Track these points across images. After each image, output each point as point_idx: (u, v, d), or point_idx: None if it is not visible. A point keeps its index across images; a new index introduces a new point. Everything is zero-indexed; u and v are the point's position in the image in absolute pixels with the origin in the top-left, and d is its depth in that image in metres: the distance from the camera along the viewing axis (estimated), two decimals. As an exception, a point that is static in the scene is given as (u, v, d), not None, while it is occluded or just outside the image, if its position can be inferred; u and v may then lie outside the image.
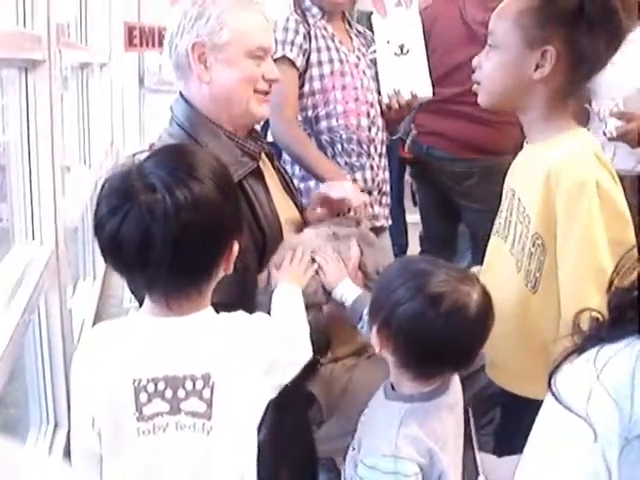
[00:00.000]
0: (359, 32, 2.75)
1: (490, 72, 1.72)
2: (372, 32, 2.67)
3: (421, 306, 1.44)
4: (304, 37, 2.51)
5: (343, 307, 1.81)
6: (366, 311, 1.62)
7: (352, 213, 2.06)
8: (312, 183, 2.54)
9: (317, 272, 1.84)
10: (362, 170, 2.60)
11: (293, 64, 2.49)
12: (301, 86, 2.54)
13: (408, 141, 3.47)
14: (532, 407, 0.97)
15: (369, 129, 2.60)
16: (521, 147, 1.86)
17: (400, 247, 4.57)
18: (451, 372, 1.56)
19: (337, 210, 2.05)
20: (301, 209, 2.13)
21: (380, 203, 2.70)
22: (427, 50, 2.65)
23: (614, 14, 1.59)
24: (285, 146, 2.54)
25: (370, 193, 2.62)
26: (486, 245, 1.94)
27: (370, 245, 1.98)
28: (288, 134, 2.51)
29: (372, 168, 2.63)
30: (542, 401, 0.91)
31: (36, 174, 2.39)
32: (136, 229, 1.29)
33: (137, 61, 6.58)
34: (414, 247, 4.02)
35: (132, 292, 1.68)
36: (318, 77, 2.54)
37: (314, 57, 2.54)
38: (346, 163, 2.57)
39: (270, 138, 2.63)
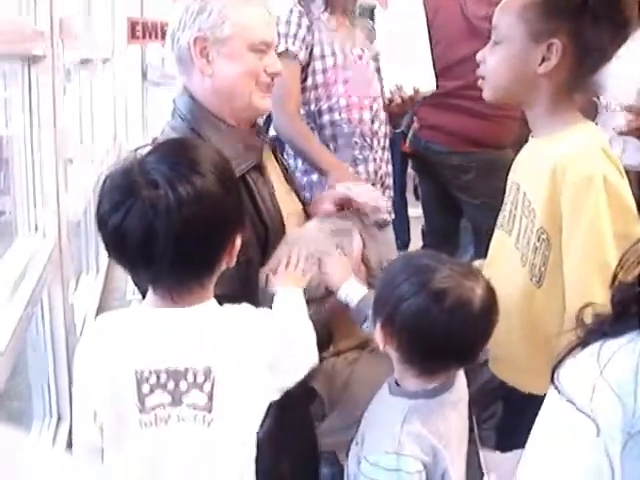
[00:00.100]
0: (362, 25, 2.75)
1: (495, 66, 1.71)
2: (375, 25, 2.66)
3: (425, 302, 1.43)
4: (307, 30, 2.50)
5: (347, 307, 1.80)
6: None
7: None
8: (315, 177, 2.53)
9: (320, 268, 1.84)
10: (365, 163, 2.60)
11: (296, 57, 2.48)
12: (304, 79, 2.54)
13: (409, 135, 3.47)
14: (535, 401, 0.97)
15: (372, 122, 2.60)
16: (521, 141, 1.86)
17: (403, 241, 4.57)
18: (456, 368, 1.55)
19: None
20: (303, 203, 2.13)
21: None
22: (430, 43, 2.65)
23: (619, 7, 1.59)
24: (288, 140, 2.53)
25: (373, 186, 2.62)
26: (489, 239, 1.93)
27: (373, 239, 1.98)
28: (291, 127, 2.50)
29: (375, 161, 2.63)
30: (545, 396, 0.91)
31: (39, 167, 2.40)
32: (139, 224, 1.29)
33: (140, 55, 6.57)
34: (416, 241, 4.02)
35: (135, 284, 1.68)
36: (321, 70, 2.54)
37: (317, 50, 2.53)
38: (349, 156, 2.57)
39: (273, 132, 2.63)
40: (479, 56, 1.75)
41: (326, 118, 2.55)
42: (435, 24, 2.89)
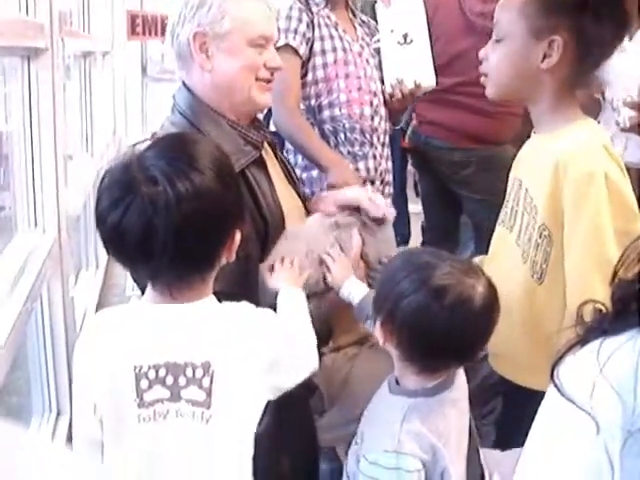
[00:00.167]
0: (363, 21, 2.75)
1: (497, 64, 1.71)
2: (376, 21, 2.66)
3: (425, 299, 1.43)
4: (307, 25, 2.50)
5: (348, 303, 1.80)
6: None
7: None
8: (315, 173, 2.53)
9: (321, 263, 1.84)
10: (364, 159, 2.60)
11: (296, 52, 2.48)
12: (304, 75, 2.53)
13: (408, 131, 3.48)
14: (535, 397, 0.97)
15: (372, 118, 2.60)
16: (521, 137, 1.86)
17: (403, 237, 4.57)
18: (456, 366, 1.54)
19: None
20: (303, 198, 2.13)
21: (382, 193, 2.69)
22: (430, 39, 2.65)
23: (620, 2, 1.59)
24: (287, 135, 2.53)
25: (372, 183, 2.62)
26: (489, 235, 1.93)
27: (372, 235, 1.98)
28: (290, 123, 2.50)
29: (375, 157, 2.62)
30: (544, 392, 0.91)
31: (39, 162, 2.40)
32: (138, 221, 1.29)
33: (140, 50, 6.57)
34: (417, 237, 4.03)
35: (134, 280, 1.68)
36: (321, 66, 2.54)
37: (317, 46, 2.53)
38: (349, 152, 2.57)
39: (273, 127, 2.63)
40: (481, 54, 1.75)
41: (326, 113, 2.55)
42: (435, 21, 2.89)
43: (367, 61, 2.63)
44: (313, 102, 2.55)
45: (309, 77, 2.54)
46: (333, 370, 1.94)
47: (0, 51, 2.23)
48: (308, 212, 2.06)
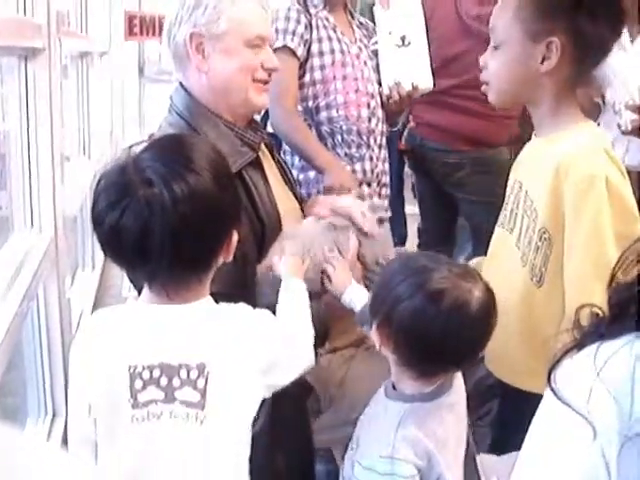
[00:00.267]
0: (361, 23, 2.75)
1: (497, 71, 1.72)
2: (374, 23, 2.66)
3: (421, 303, 1.42)
4: (305, 27, 2.50)
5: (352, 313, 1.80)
6: None
7: None
8: (312, 174, 2.53)
9: (323, 273, 1.83)
10: (361, 161, 2.60)
11: (294, 54, 2.48)
12: (302, 76, 2.53)
13: (405, 133, 3.48)
14: (532, 400, 0.96)
15: (369, 120, 2.60)
16: (518, 139, 1.86)
17: (400, 238, 4.57)
18: (453, 370, 1.53)
19: None
20: (300, 200, 2.13)
21: (379, 195, 2.69)
22: (428, 41, 2.65)
23: (614, 0, 1.60)
24: (284, 136, 2.53)
25: (369, 184, 2.62)
26: (486, 237, 1.93)
27: (369, 236, 1.97)
28: (288, 124, 2.50)
29: (371, 159, 2.62)
30: (542, 395, 0.91)
31: (35, 162, 2.39)
32: (135, 224, 1.29)
33: (137, 50, 6.56)
34: (413, 238, 4.03)
35: (131, 281, 1.68)
36: (319, 67, 2.54)
37: (315, 47, 2.53)
38: (346, 154, 2.57)
39: (270, 129, 2.63)
40: (481, 62, 1.75)
41: (323, 115, 2.55)
42: (431, 23, 2.89)
43: (365, 63, 2.63)
44: (310, 103, 2.55)
45: (307, 78, 2.54)
46: (329, 372, 1.94)
47: (-2, 50, 2.23)
48: (304, 214, 2.06)
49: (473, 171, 3.25)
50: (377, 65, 2.63)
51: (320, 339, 1.74)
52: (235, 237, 1.43)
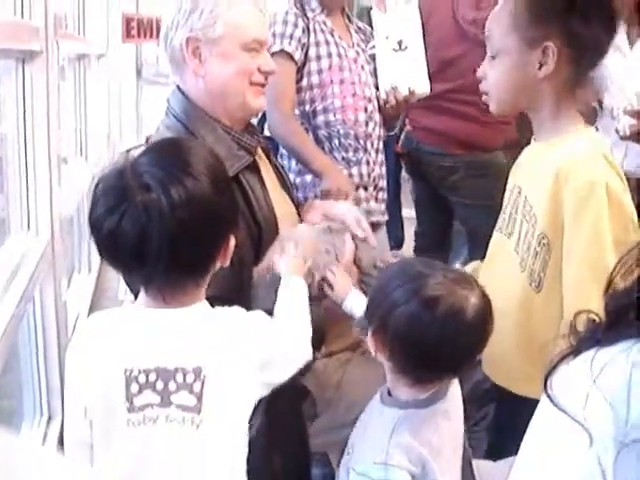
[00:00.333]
0: (359, 27, 2.76)
1: (496, 80, 1.72)
2: (372, 27, 2.66)
3: (417, 309, 1.41)
4: (303, 31, 2.51)
5: (340, 308, 1.79)
6: None
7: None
8: (309, 178, 2.54)
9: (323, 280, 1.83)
10: (358, 165, 2.60)
11: (291, 58, 2.49)
12: (299, 80, 2.54)
13: (402, 136, 3.49)
14: (529, 403, 0.96)
15: (366, 124, 2.60)
16: (515, 144, 1.86)
17: (396, 241, 4.57)
18: (449, 377, 1.52)
19: None
20: (297, 204, 2.13)
21: (376, 199, 2.70)
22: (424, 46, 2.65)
23: (605, 1, 1.62)
24: (281, 139, 2.53)
25: (366, 188, 2.63)
26: (482, 241, 1.93)
27: (364, 240, 1.97)
28: (285, 127, 2.50)
29: (368, 163, 2.63)
30: (539, 400, 0.91)
31: (32, 165, 2.39)
32: (133, 229, 1.29)
33: (135, 52, 6.56)
34: (410, 241, 4.03)
35: (128, 284, 1.68)
36: (316, 71, 2.54)
37: (313, 51, 2.53)
38: (343, 158, 2.58)
39: (267, 132, 2.63)
40: (479, 73, 1.76)
41: (321, 119, 2.56)
42: (428, 27, 2.90)
43: (362, 67, 2.64)
44: (308, 107, 2.55)
45: (304, 82, 2.54)
46: (326, 375, 1.94)
47: (-5, 53, 2.23)
48: (301, 217, 2.06)
49: (467, 175, 3.26)
50: (374, 69, 2.64)
51: (316, 343, 1.75)
52: (232, 242, 1.44)
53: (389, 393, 1.54)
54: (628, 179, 1.66)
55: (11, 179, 2.41)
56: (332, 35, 2.59)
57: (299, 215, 2.07)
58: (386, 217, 2.80)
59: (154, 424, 1.38)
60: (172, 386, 1.37)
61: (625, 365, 0.81)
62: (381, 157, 2.72)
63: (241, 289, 1.76)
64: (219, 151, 1.63)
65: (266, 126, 2.66)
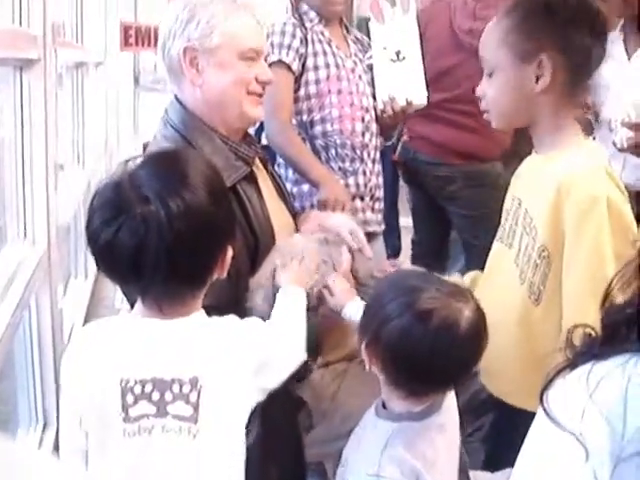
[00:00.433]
0: (356, 38, 2.76)
1: (495, 97, 1.73)
2: (370, 38, 2.67)
3: (409, 322, 1.41)
4: (301, 41, 2.51)
5: (337, 318, 1.79)
6: None
7: None
8: (305, 187, 2.54)
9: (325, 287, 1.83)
10: (355, 175, 2.60)
11: (289, 68, 2.49)
12: (297, 90, 2.54)
13: (399, 146, 3.49)
14: (526, 415, 0.96)
15: (363, 134, 2.61)
16: (514, 154, 1.87)
17: (393, 250, 4.58)
18: (443, 391, 1.51)
19: None
20: (294, 214, 2.13)
21: (372, 209, 2.70)
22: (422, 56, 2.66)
23: (591, 11, 1.65)
24: (279, 148, 2.54)
25: (362, 198, 2.63)
26: (478, 250, 1.94)
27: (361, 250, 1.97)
28: (283, 137, 2.51)
29: (365, 173, 2.63)
30: (536, 412, 0.91)
31: (29, 173, 2.39)
32: (131, 240, 1.30)
33: (132, 60, 6.57)
34: (407, 250, 4.03)
35: (124, 294, 1.68)
36: (314, 81, 2.54)
37: (310, 61, 2.54)
38: (339, 168, 2.58)
39: (264, 141, 2.63)
40: (479, 92, 1.77)
41: (318, 129, 2.56)
42: (426, 36, 2.91)
43: (360, 77, 2.64)
44: (305, 117, 2.56)
45: (301, 92, 2.55)
46: (322, 386, 1.94)
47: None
48: (297, 227, 2.06)
49: (465, 185, 3.27)
50: (372, 79, 2.64)
51: (312, 353, 1.75)
52: (230, 253, 1.44)
53: (384, 405, 1.54)
54: (627, 191, 1.66)
55: (8, 187, 2.41)
56: (330, 45, 2.60)
57: (296, 225, 2.07)
58: (383, 227, 2.80)
59: (149, 435, 1.37)
60: (168, 396, 1.37)
61: (621, 380, 0.81)
62: (378, 167, 2.72)
63: (237, 299, 1.75)
64: (217, 161, 1.64)
65: (263, 135, 2.67)
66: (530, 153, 1.82)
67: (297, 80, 2.53)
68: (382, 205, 2.78)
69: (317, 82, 2.55)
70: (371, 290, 1.71)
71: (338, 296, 1.80)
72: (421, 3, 3.39)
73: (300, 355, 1.57)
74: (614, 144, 2.50)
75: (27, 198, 2.40)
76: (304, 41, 2.52)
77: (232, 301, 1.70)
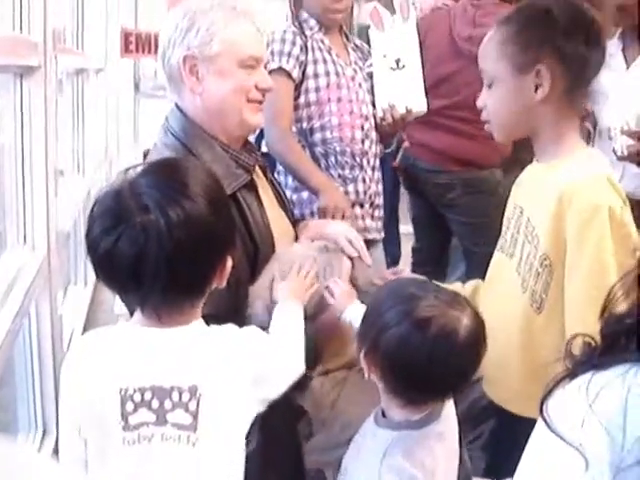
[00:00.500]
0: (356, 45, 2.76)
1: (495, 109, 1.74)
2: (370, 45, 2.67)
3: (407, 330, 1.41)
4: (301, 49, 2.52)
5: (337, 326, 1.79)
6: None
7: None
8: (305, 194, 2.54)
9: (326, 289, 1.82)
10: (354, 183, 2.60)
11: (289, 75, 2.49)
12: (296, 98, 2.54)
13: (399, 153, 3.49)
14: (526, 422, 0.96)
15: (362, 142, 2.61)
16: (515, 162, 1.87)
17: (393, 257, 4.57)
18: (442, 399, 1.51)
19: None
20: (294, 222, 2.13)
21: (372, 216, 2.70)
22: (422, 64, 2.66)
23: (586, 20, 1.65)
24: (279, 156, 2.54)
25: (362, 206, 2.63)
26: (478, 258, 1.94)
27: (361, 258, 1.97)
28: (282, 144, 2.51)
29: (364, 181, 2.63)
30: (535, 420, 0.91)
31: (29, 179, 2.39)
32: (131, 249, 1.30)
33: (133, 67, 6.58)
34: (407, 258, 4.03)
35: (123, 302, 1.68)
36: (314, 89, 2.55)
37: (310, 69, 2.54)
38: (339, 175, 2.58)
39: (264, 149, 2.63)
40: (479, 103, 1.78)
41: (318, 136, 2.56)
42: (426, 44, 2.92)
43: (359, 85, 2.64)
44: (305, 125, 2.56)
45: (301, 100, 2.55)
46: (321, 394, 1.93)
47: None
48: (297, 235, 2.06)
49: (464, 192, 3.27)
50: (372, 87, 2.64)
51: (312, 361, 1.74)
52: (229, 263, 1.44)
53: (383, 414, 1.54)
54: (628, 199, 1.67)
55: (7, 193, 2.41)
56: (330, 53, 2.60)
57: (296, 233, 2.07)
58: (382, 234, 2.80)
59: (149, 443, 1.37)
60: (168, 405, 1.37)
61: (621, 390, 0.81)
62: (377, 175, 2.72)
63: (237, 308, 1.75)
64: (217, 169, 1.64)
65: (263, 142, 2.67)
66: (531, 161, 1.82)
67: (297, 88, 2.54)
68: (382, 212, 2.78)
69: (317, 90, 2.55)
70: (370, 298, 1.72)
71: (338, 299, 1.80)
72: (421, 11, 3.41)
73: (299, 367, 1.57)
74: (614, 152, 2.50)
75: (27, 204, 2.40)
76: (304, 49, 2.53)
77: (231, 310, 1.70)
